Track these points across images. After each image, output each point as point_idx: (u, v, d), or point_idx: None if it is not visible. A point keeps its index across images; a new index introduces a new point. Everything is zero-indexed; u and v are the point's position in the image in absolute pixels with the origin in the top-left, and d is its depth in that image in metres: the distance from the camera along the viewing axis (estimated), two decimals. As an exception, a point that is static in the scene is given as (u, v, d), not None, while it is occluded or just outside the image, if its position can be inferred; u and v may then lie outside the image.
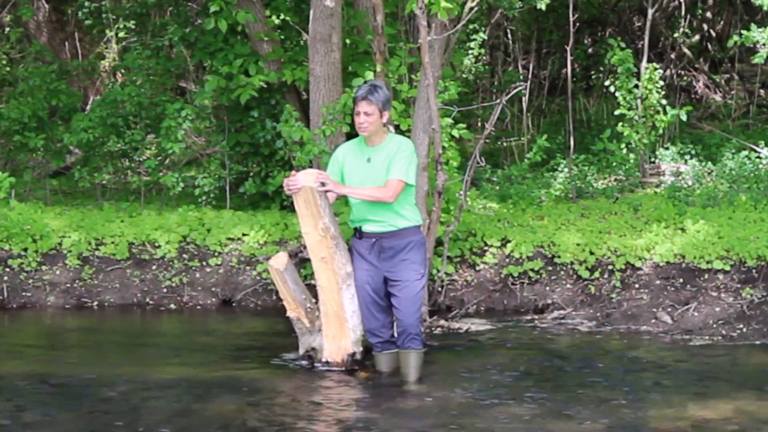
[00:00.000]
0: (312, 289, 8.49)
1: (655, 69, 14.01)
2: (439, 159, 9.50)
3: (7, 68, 18.48)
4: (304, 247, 8.98)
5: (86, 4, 17.43)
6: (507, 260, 10.87)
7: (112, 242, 11.28)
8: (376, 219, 7.84)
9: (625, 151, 13.98)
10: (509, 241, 10.97)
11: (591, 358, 8.89)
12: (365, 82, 8.20)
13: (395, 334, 8.21)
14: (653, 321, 9.92)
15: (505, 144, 17.67)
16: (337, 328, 8.22)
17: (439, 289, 10.65)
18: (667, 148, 15.04)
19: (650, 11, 16.46)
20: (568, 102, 14.54)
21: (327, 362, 8.30)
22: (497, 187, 13.60)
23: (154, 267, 11.20)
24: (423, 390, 7.84)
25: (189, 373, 8.33)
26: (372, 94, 7.75)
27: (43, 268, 11.07)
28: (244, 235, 11.37)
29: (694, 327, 9.73)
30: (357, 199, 7.89)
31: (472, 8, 11.14)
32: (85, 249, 11.19)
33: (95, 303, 10.95)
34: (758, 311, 9.80)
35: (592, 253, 10.72)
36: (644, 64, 14.65)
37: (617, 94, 13.80)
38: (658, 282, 10.37)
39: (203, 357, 8.94)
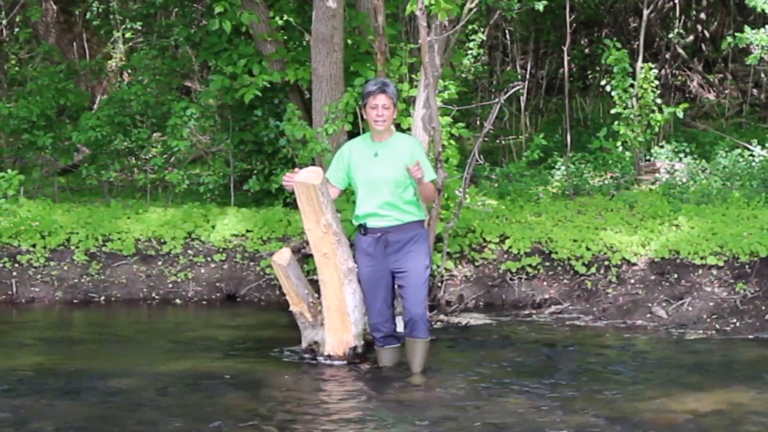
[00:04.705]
0: (314, 285, 8.55)
1: (650, 69, 14.10)
2: (439, 157, 9.48)
3: (17, 68, 18.55)
4: (307, 244, 9.05)
5: (94, 5, 17.52)
6: (505, 256, 10.94)
7: (119, 238, 11.37)
8: (382, 214, 7.86)
9: (620, 149, 13.99)
10: (507, 238, 11.03)
11: (587, 351, 8.94)
12: (369, 80, 8.24)
13: (398, 329, 8.26)
14: (648, 315, 9.98)
15: (503, 142, 17.73)
16: (339, 323, 8.27)
17: (439, 284, 10.70)
18: (662, 147, 15.04)
19: (645, 12, 16.56)
20: (565, 101, 14.56)
21: (329, 356, 8.35)
22: (496, 185, 13.62)
23: (159, 262, 11.29)
24: (423, 383, 7.88)
25: (193, 367, 8.36)
26: (388, 87, 7.80)
27: (51, 263, 11.18)
28: (248, 231, 11.45)
29: (688, 321, 9.80)
30: (366, 195, 7.92)
31: (471, 9, 11.24)
32: (92, 245, 11.29)
33: (102, 298, 11.05)
34: (751, 306, 9.88)
35: (588, 249, 10.77)
36: (639, 63, 14.70)
37: (613, 93, 13.85)
38: (653, 277, 10.43)
39: (208, 351, 8.98)
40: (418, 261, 7.91)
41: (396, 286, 8.11)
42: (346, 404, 7.45)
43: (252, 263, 11.28)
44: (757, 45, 12.60)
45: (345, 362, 8.32)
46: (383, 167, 7.84)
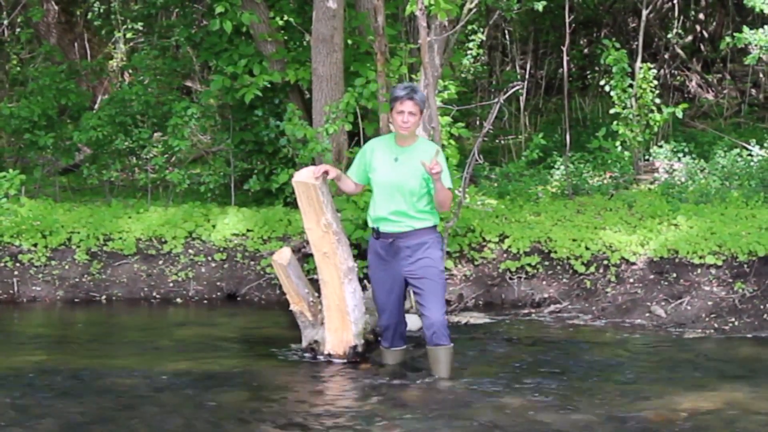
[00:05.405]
0: (315, 284, 8.61)
1: (649, 69, 14.14)
2: (439, 156, 9.59)
3: (18, 68, 18.59)
4: (307, 243, 9.08)
5: (95, 6, 17.55)
6: (505, 255, 10.96)
7: (120, 238, 11.39)
8: (394, 219, 7.80)
9: (620, 148, 14.02)
10: (507, 237, 11.04)
11: (586, 350, 8.97)
12: (398, 84, 8.25)
13: (408, 327, 8.32)
14: (647, 314, 10.01)
15: (503, 142, 17.76)
16: (339, 322, 8.31)
17: (439, 283, 10.75)
18: (660, 146, 15.09)
19: (644, 12, 16.61)
20: (565, 101, 14.57)
21: (329, 354, 8.39)
22: (495, 184, 13.61)
23: (160, 262, 11.31)
24: (423, 381, 7.89)
25: (194, 366, 8.38)
26: (416, 93, 7.69)
27: (53, 263, 11.20)
28: (248, 230, 11.47)
29: (687, 320, 9.83)
30: (381, 198, 7.87)
31: (470, 9, 11.28)
32: (93, 244, 11.31)
33: (103, 297, 11.07)
34: (749, 305, 9.91)
35: (587, 249, 10.78)
36: (638, 64, 14.74)
37: (612, 93, 13.89)
38: (651, 276, 10.46)
39: (208, 350, 9.00)
40: (433, 267, 7.85)
41: (412, 293, 8.10)
42: (346, 403, 7.48)
43: (252, 262, 11.31)
44: (756, 45, 12.63)
45: (345, 361, 8.36)
46: (400, 174, 7.77)
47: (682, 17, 20.73)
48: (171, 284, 11.21)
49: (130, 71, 17.02)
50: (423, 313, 7.92)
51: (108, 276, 11.22)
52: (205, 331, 9.79)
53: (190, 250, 11.39)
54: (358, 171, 8.05)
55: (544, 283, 10.82)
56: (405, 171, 7.77)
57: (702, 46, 21.50)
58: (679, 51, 20.61)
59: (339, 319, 8.32)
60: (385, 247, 7.90)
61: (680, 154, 14.77)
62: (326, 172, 7.95)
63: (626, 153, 14.08)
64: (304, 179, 7.93)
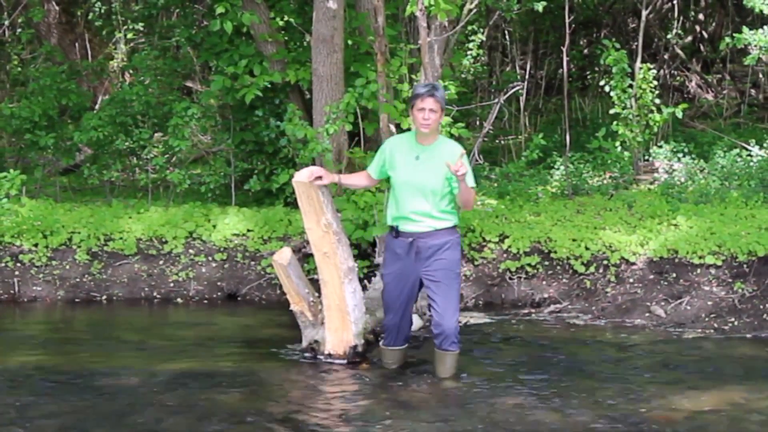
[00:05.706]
0: (315, 284, 8.61)
1: (649, 69, 14.13)
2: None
3: (19, 68, 18.59)
4: (307, 243, 9.09)
5: (96, 6, 17.55)
6: (505, 255, 10.95)
7: (120, 238, 11.38)
8: (416, 219, 7.75)
9: (619, 149, 14.00)
10: (507, 237, 11.03)
11: (586, 350, 8.99)
12: (419, 83, 8.21)
13: (413, 327, 8.33)
14: (647, 314, 10.03)
15: (503, 142, 17.75)
16: (339, 322, 8.33)
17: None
18: (660, 146, 15.08)
19: (644, 13, 16.62)
20: (564, 101, 14.56)
21: (329, 354, 8.40)
22: (495, 184, 13.57)
23: (161, 262, 11.30)
24: (423, 381, 7.92)
25: (195, 366, 8.41)
26: (437, 90, 7.65)
27: (53, 263, 11.19)
28: (248, 230, 11.47)
29: (686, 320, 9.84)
30: (402, 197, 7.81)
31: (470, 10, 11.28)
32: (93, 244, 11.30)
33: (104, 297, 11.06)
34: (749, 305, 9.92)
35: (587, 249, 10.78)
36: (638, 64, 14.73)
37: (612, 93, 13.87)
38: (651, 276, 10.47)
39: (209, 350, 9.02)
40: (449, 271, 7.81)
41: (426, 295, 8.09)
42: (346, 403, 7.49)
43: (253, 262, 11.30)
44: (755, 45, 12.63)
45: (345, 361, 8.38)
46: (422, 173, 7.72)
47: (681, 17, 20.74)
48: (171, 284, 11.20)
49: (131, 71, 17.02)
50: (434, 318, 7.90)
51: (108, 276, 11.21)
52: (205, 331, 9.79)
53: (191, 250, 11.39)
54: (377, 167, 8.02)
55: (544, 283, 10.82)
56: (427, 170, 7.72)
57: (702, 47, 21.51)
58: (679, 51, 20.62)
59: (339, 319, 8.34)
60: (404, 247, 7.84)
61: (680, 155, 14.76)
62: (319, 178, 7.93)
63: (626, 153, 14.06)
64: (305, 179, 7.93)
